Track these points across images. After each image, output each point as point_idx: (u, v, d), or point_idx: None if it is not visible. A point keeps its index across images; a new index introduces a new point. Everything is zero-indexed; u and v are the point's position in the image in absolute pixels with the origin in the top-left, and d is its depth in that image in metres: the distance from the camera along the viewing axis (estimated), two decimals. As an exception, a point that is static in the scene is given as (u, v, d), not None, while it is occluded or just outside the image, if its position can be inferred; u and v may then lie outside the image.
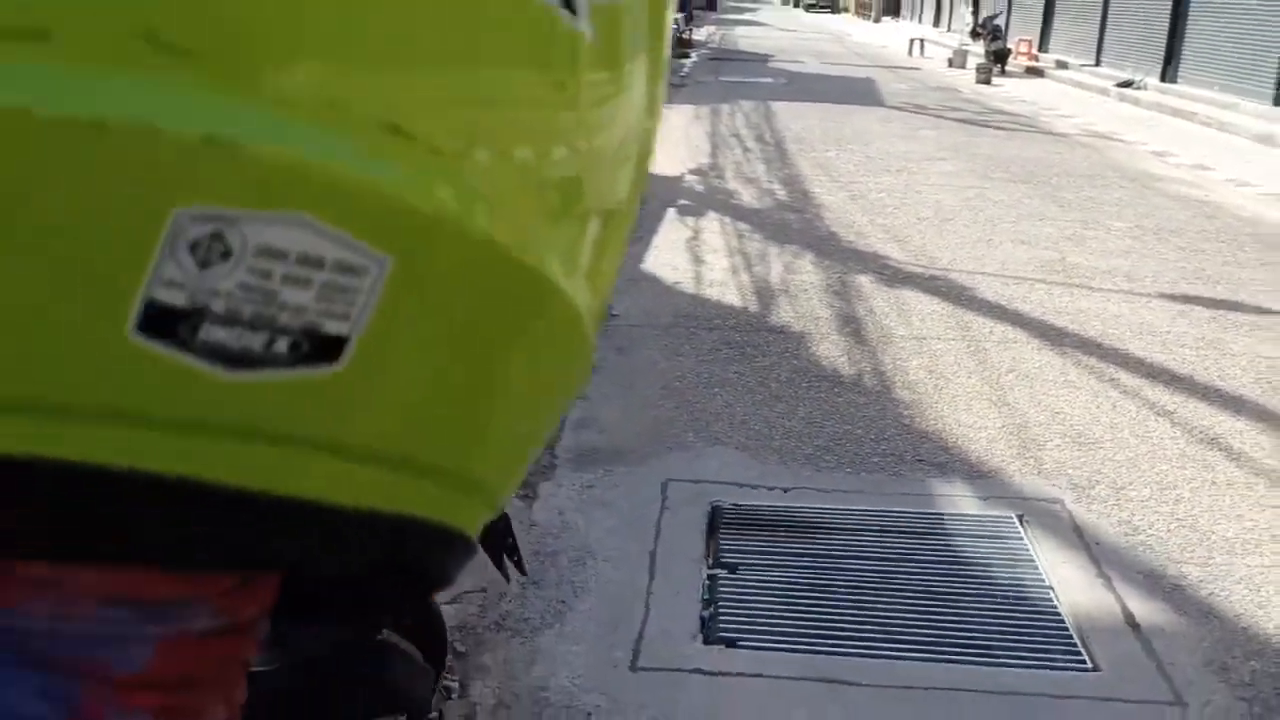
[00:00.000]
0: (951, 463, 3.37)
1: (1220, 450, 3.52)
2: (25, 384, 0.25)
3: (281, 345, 0.28)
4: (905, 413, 3.74)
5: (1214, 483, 3.28)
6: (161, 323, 0.26)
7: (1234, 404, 3.94)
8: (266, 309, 0.28)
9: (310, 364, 0.29)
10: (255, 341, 0.28)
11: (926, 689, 2.29)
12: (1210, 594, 2.68)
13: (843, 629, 2.49)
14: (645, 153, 0.40)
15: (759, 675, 2.32)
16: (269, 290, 0.28)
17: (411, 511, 0.35)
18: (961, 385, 4.03)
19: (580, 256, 0.37)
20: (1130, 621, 2.55)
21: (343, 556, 0.34)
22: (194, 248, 0.26)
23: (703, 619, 2.52)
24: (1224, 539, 2.94)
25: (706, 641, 2.44)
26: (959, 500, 3.13)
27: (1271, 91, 13.01)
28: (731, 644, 2.43)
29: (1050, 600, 2.63)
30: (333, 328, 0.29)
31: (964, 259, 5.91)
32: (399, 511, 0.34)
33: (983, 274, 5.60)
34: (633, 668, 2.34)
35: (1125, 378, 4.17)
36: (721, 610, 2.55)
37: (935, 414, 3.74)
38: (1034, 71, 19.75)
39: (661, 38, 0.42)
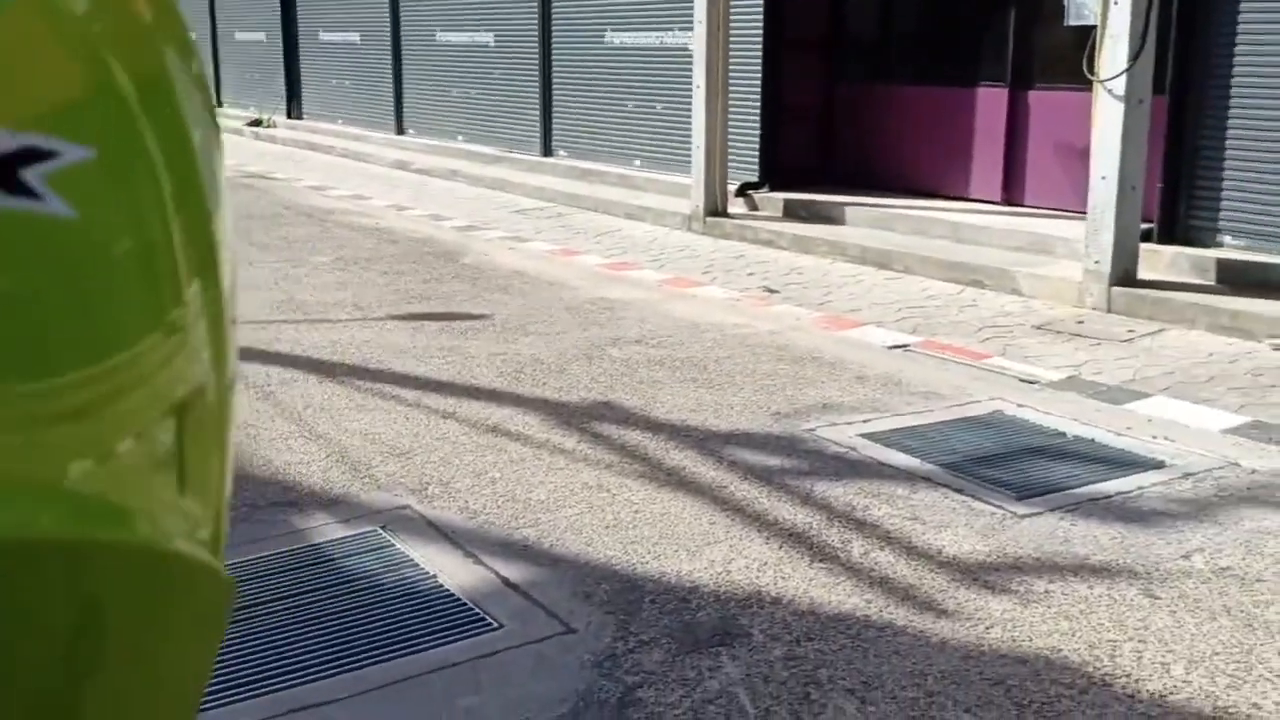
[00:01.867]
0: (301, 499, 3.66)
1: (502, 434, 4.28)
2: None
3: None
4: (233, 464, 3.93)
5: (511, 461, 4.01)
6: None
7: (493, 395, 4.75)
8: None
9: None
10: None
11: (387, 685, 2.63)
12: (551, 545, 3.36)
13: (288, 663, 2.71)
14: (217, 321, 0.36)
15: (244, 727, 2.47)
16: None
17: None
18: (272, 429, 4.30)
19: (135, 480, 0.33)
20: (507, 583, 3.13)
21: None
22: None
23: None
24: (540, 501, 3.67)
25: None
26: (325, 528, 3.46)
27: (394, 123, 14.71)
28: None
29: (442, 586, 3.11)
30: None
31: (205, 311, 6.07)
32: None
33: (230, 323, 5.83)
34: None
35: (404, 393, 4.78)
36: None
37: (264, 459, 3.98)
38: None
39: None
